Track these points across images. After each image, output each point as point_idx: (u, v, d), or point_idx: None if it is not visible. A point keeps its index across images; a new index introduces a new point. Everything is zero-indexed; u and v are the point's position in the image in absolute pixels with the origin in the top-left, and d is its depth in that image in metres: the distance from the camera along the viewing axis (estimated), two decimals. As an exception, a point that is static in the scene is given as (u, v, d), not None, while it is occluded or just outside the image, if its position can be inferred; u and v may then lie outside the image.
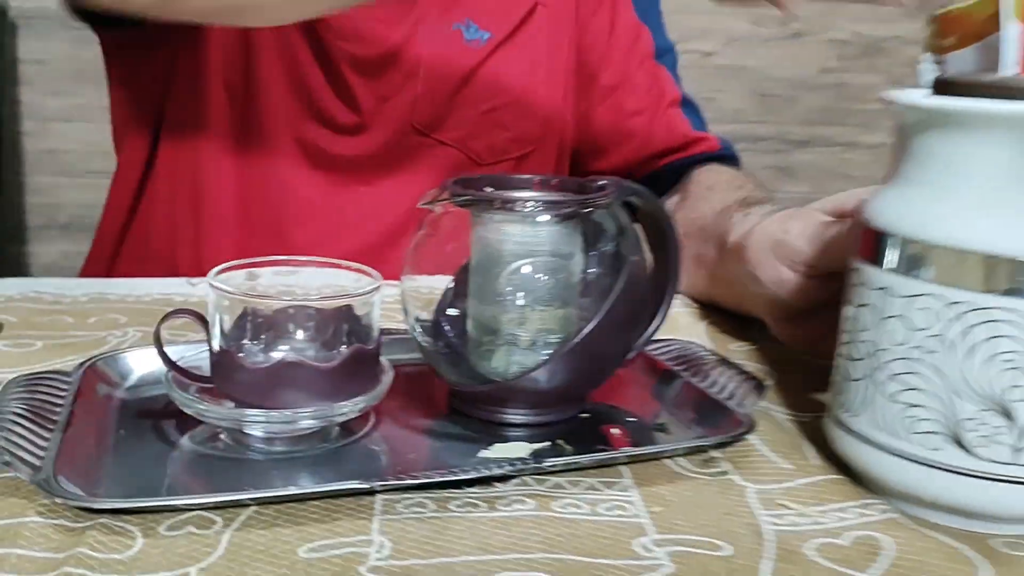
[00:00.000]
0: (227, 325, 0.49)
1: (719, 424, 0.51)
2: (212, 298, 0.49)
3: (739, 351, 0.66)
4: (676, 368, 0.59)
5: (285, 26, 0.82)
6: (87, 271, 0.94)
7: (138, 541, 0.39)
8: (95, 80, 1.60)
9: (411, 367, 0.57)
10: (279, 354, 0.49)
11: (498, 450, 0.49)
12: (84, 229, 1.59)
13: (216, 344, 0.49)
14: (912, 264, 0.42)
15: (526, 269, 0.52)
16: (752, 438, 0.51)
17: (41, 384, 0.51)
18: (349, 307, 0.50)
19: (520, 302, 0.52)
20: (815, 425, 0.51)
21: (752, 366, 0.62)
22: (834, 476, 0.48)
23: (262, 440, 0.49)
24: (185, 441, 0.49)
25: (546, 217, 0.51)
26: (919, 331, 0.42)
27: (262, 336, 0.50)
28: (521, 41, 0.90)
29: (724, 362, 0.59)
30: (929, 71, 0.67)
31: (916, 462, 0.42)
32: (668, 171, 0.92)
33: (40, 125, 1.58)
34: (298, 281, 0.53)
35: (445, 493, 0.44)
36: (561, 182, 0.56)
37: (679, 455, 0.49)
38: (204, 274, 0.50)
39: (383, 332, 0.53)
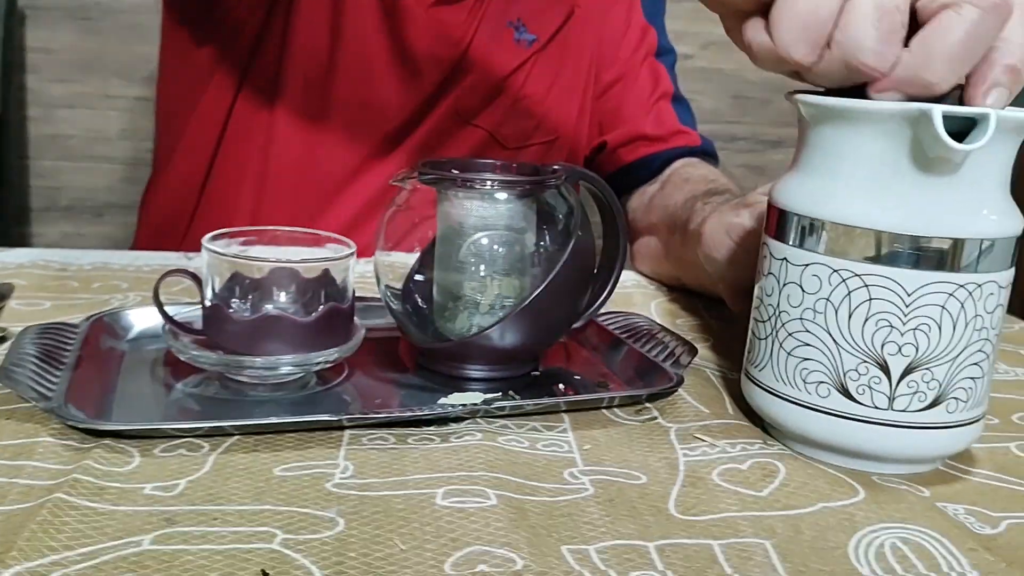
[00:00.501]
0: (218, 285, 0.55)
1: (654, 381, 0.58)
2: (205, 259, 0.55)
3: (684, 324, 0.73)
4: (622, 336, 0.65)
5: (367, 17, 0.89)
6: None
7: (136, 459, 0.46)
8: (98, 69, 1.68)
9: (383, 332, 0.64)
10: (264, 309, 0.55)
11: (455, 398, 0.55)
12: (84, 211, 1.65)
13: (208, 299, 0.55)
14: (805, 238, 0.49)
15: (484, 241, 0.59)
16: (683, 392, 0.57)
17: (51, 332, 0.57)
18: (327, 271, 0.56)
19: (479, 270, 0.59)
20: (733, 380, 0.58)
21: (692, 335, 0.68)
22: (745, 423, 0.54)
23: (248, 385, 0.55)
24: (179, 385, 0.55)
25: (503, 195, 0.58)
26: (811, 295, 0.48)
27: (249, 296, 0.56)
28: (558, 43, 0.98)
29: (664, 330, 0.65)
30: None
31: (809, 408, 0.49)
32: (651, 161, 0.99)
33: (44, 111, 1.64)
34: (284, 250, 0.60)
35: (406, 431, 0.50)
36: (519, 166, 0.62)
37: (615, 405, 0.55)
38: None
39: (359, 298, 0.60)
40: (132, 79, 1.63)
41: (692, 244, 0.74)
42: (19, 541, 0.38)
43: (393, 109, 0.93)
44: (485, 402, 0.53)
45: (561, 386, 0.59)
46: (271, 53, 0.90)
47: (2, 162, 1.61)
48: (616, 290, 0.64)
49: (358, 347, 0.57)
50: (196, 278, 0.56)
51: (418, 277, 0.63)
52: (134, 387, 0.54)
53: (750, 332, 0.54)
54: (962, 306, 0.46)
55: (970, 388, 0.48)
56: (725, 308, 0.78)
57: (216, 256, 0.55)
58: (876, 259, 0.46)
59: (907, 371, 0.47)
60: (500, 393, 0.56)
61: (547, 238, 0.61)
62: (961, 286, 0.46)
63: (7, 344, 0.57)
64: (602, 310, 0.65)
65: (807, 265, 0.48)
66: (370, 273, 0.60)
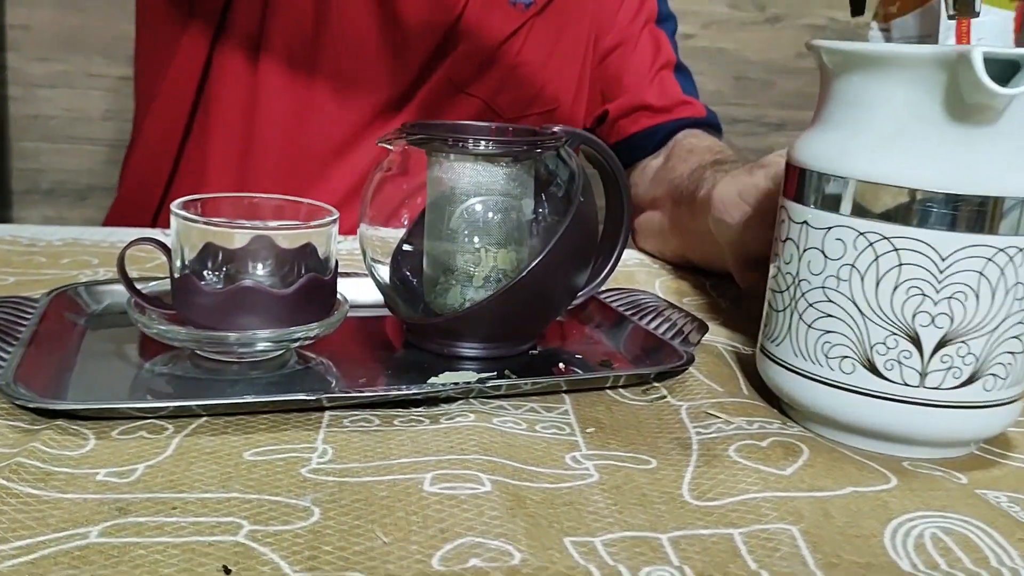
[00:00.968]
0: (189, 256, 0.51)
1: (662, 359, 0.53)
2: (175, 227, 0.50)
3: (691, 303, 0.68)
4: (626, 313, 0.61)
5: None
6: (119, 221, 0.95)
7: (91, 441, 0.41)
8: (80, 48, 1.62)
9: (370, 309, 0.59)
10: (238, 280, 0.50)
11: (447, 377, 0.50)
12: (66, 194, 1.60)
13: (177, 271, 0.50)
14: (828, 198, 0.44)
15: (478, 207, 0.54)
16: (693, 370, 0.53)
17: (7, 306, 0.52)
18: (308, 242, 0.52)
19: (472, 240, 0.54)
20: (746, 356, 0.53)
21: (700, 315, 0.64)
22: (761, 403, 0.50)
23: (221, 364, 0.50)
24: (147, 364, 0.50)
25: (498, 157, 0.53)
26: (834, 261, 0.44)
27: (223, 268, 0.52)
28: (556, 7, 0.94)
29: (671, 307, 0.61)
30: (876, 37, 0.69)
31: (831, 386, 0.45)
32: (654, 133, 0.95)
33: (25, 91, 1.59)
34: (259, 216, 0.55)
35: (391, 412, 0.46)
36: (516, 130, 0.58)
37: (620, 385, 0.51)
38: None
39: (343, 274, 0.55)
40: (116, 57, 1.58)
41: (701, 213, 0.69)
42: (-53, 533, 0.33)
43: (384, 77, 0.89)
44: (479, 381, 0.49)
45: (561, 365, 0.54)
46: (252, 7, 0.86)
47: (-18, 145, 1.56)
48: (617, 269, 0.60)
49: (341, 322, 0.52)
50: (165, 248, 0.51)
51: (407, 248, 0.58)
52: (94, 366, 0.50)
53: (766, 304, 0.49)
54: (1002, 272, 0.42)
55: (1009, 364, 0.43)
56: (733, 286, 0.73)
57: (186, 223, 0.50)
58: (907, 220, 0.42)
59: (940, 344, 0.42)
60: (495, 372, 0.52)
61: (546, 205, 0.57)
62: (1001, 250, 0.41)
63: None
64: (604, 286, 0.61)
65: (830, 228, 0.44)
66: (358, 251, 0.56)
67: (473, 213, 0.54)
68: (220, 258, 0.51)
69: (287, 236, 0.51)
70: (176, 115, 0.89)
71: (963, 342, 0.42)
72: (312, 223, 0.51)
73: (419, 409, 0.46)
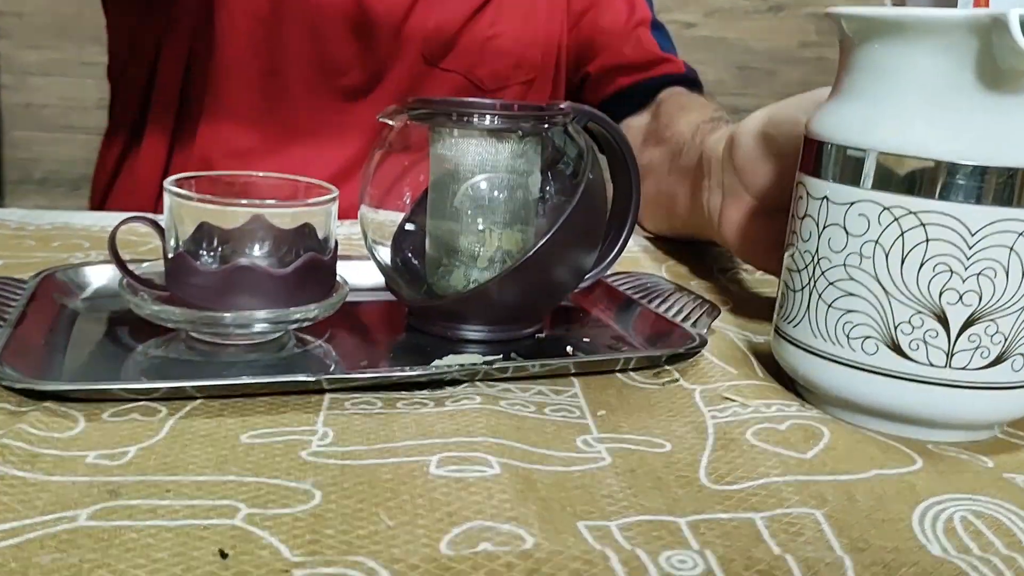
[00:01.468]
0: (183, 235, 0.49)
1: (673, 342, 0.52)
2: (168, 204, 0.49)
3: (699, 287, 0.67)
4: (635, 297, 0.59)
5: None
6: None
7: (80, 423, 0.39)
8: (73, 35, 1.60)
9: (370, 292, 0.58)
10: (233, 259, 0.49)
11: (451, 359, 0.49)
12: (60, 184, 1.58)
13: (171, 250, 0.49)
14: (849, 172, 0.42)
15: (483, 185, 0.52)
16: (705, 353, 0.51)
17: (-5, 288, 0.51)
18: (306, 222, 0.50)
19: (477, 219, 0.52)
20: (768, 347, 0.52)
21: (710, 297, 0.62)
22: (778, 386, 0.48)
23: (216, 346, 0.49)
24: (140, 347, 0.49)
25: (504, 133, 0.52)
26: (856, 238, 0.42)
27: (219, 248, 0.50)
28: None
29: (681, 290, 0.59)
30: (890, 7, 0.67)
31: (853, 367, 0.43)
32: (635, 91, 0.93)
33: (17, 79, 1.57)
34: (256, 195, 0.53)
35: (394, 395, 0.44)
36: (521, 105, 0.56)
37: (630, 368, 0.49)
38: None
39: (344, 257, 0.54)
40: (110, 47, 1.56)
41: (710, 163, 0.65)
42: (-73, 516, 0.31)
43: (352, 58, 0.87)
44: (485, 363, 0.47)
45: (569, 349, 0.52)
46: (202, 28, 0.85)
47: (-25, 136, 1.53)
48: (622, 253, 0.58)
49: (341, 304, 0.50)
50: (159, 227, 0.50)
51: (409, 228, 0.57)
52: (85, 348, 0.48)
53: (781, 284, 0.47)
54: None
55: None
56: (741, 269, 0.71)
57: (181, 201, 0.48)
58: (934, 194, 0.40)
59: (968, 323, 0.41)
60: (500, 356, 0.50)
61: (553, 184, 0.55)
62: None
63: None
64: (611, 269, 0.59)
65: (852, 204, 0.42)
66: (356, 235, 0.54)
67: (478, 191, 0.53)
68: (216, 238, 0.49)
69: (285, 215, 0.49)
70: (137, 105, 0.88)
71: (992, 321, 0.41)
72: (311, 200, 0.49)
73: (423, 392, 0.45)
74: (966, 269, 0.40)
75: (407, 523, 0.33)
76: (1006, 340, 0.41)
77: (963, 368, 0.41)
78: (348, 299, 0.51)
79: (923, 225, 0.40)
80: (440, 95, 0.89)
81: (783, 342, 0.46)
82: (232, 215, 0.49)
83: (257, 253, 0.50)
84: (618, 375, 0.49)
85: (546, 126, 0.52)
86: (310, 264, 0.49)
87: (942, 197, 0.40)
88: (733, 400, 0.45)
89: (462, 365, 0.46)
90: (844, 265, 0.43)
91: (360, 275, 0.57)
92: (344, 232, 0.72)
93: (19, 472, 0.35)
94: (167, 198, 0.48)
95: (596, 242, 0.55)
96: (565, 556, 0.31)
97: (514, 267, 0.50)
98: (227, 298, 0.47)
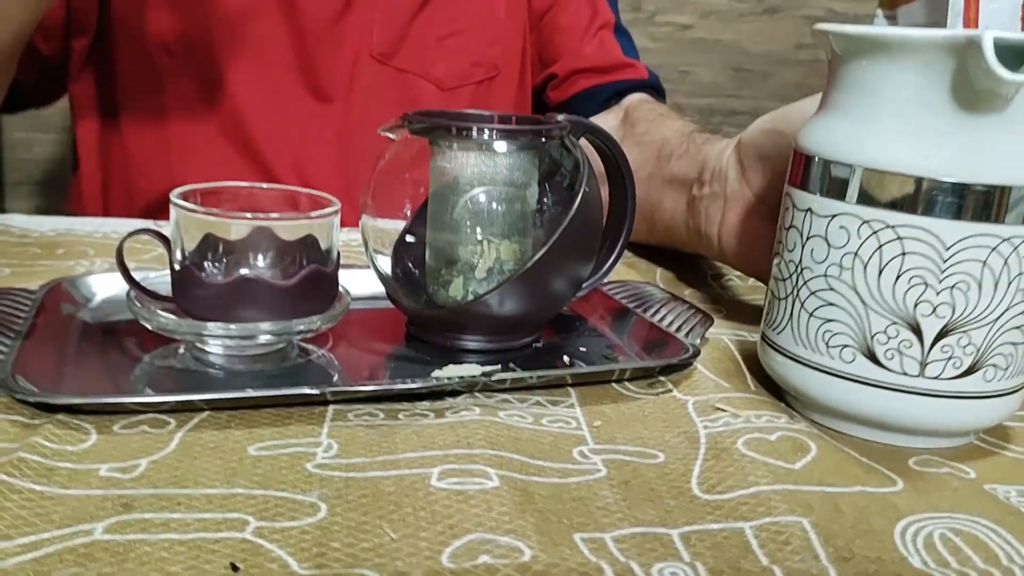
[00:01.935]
0: (189, 247, 0.50)
1: (667, 352, 0.53)
2: (174, 217, 0.50)
3: (693, 296, 0.68)
4: (631, 306, 0.60)
5: None
6: None
7: (92, 436, 0.40)
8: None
9: (371, 301, 0.59)
10: (239, 271, 0.50)
11: (451, 370, 0.50)
12: (58, 186, 1.58)
13: (177, 262, 0.50)
14: (832, 185, 0.44)
15: (482, 197, 0.53)
16: (699, 365, 0.52)
17: (4, 299, 0.52)
18: (309, 233, 0.51)
19: (476, 230, 0.54)
20: (750, 345, 0.53)
21: (703, 307, 0.63)
22: (768, 398, 0.49)
23: (222, 357, 0.50)
24: (146, 357, 0.50)
25: (502, 146, 0.53)
26: (837, 249, 0.43)
27: (224, 259, 0.51)
28: None
29: (676, 299, 0.60)
30: (882, 24, 0.68)
31: (832, 374, 0.44)
32: (597, 93, 0.94)
33: (16, 79, 1.57)
34: (258, 207, 0.54)
35: (396, 406, 0.45)
36: (519, 118, 0.57)
37: (625, 379, 0.50)
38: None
39: (344, 266, 0.55)
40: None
41: (712, 171, 0.65)
42: (-52, 530, 0.33)
43: (289, 58, 0.86)
44: (484, 374, 0.48)
45: (566, 358, 0.54)
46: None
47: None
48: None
49: (344, 314, 0.52)
50: (164, 238, 0.51)
51: (409, 239, 0.58)
52: (94, 358, 0.49)
53: (768, 293, 0.49)
54: (1006, 262, 0.41)
55: (1010, 355, 0.43)
56: (733, 276, 0.73)
57: (186, 214, 0.49)
58: (912, 208, 0.41)
59: (941, 334, 0.42)
60: (499, 366, 0.51)
61: (550, 195, 0.56)
62: (1006, 239, 0.41)
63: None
64: (607, 278, 0.60)
65: (834, 216, 0.44)
66: (355, 242, 0.55)
67: (477, 203, 0.54)
68: (220, 249, 0.51)
69: (288, 227, 0.50)
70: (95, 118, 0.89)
71: (964, 332, 0.42)
72: (314, 214, 0.51)
73: (423, 403, 0.46)
74: (940, 282, 0.42)
75: (410, 536, 0.34)
76: (978, 351, 0.42)
77: (936, 378, 0.43)
78: (349, 307, 0.53)
79: (900, 239, 0.42)
80: (398, 96, 0.89)
81: (769, 349, 0.48)
82: (236, 227, 0.50)
83: (261, 264, 0.51)
84: (614, 385, 0.50)
85: (544, 140, 0.54)
86: (313, 276, 0.50)
87: (919, 212, 0.41)
88: (724, 411, 0.46)
89: (462, 377, 0.47)
90: (825, 276, 0.44)
91: (360, 283, 0.58)
92: (343, 239, 0.73)
93: (36, 486, 0.36)
94: (173, 211, 0.50)
95: (593, 253, 0.56)
96: (561, 568, 0.33)
97: (512, 279, 0.51)
98: (232, 310, 0.49)
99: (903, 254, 0.42)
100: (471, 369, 0.50)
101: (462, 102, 0.92)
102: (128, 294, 0.50)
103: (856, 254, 0.43)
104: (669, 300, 0.60)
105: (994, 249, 0.41)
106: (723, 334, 0.58)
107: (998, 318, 0.42)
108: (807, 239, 0.45)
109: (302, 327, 0.49)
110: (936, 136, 0.41)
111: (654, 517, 0.37)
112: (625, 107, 0.91)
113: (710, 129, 0.75)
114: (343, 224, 0.57)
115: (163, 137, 0.87)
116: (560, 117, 0.55)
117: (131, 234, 0.51)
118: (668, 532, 0.36)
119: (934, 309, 0.42)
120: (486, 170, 0.53)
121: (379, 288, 0.57)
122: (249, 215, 0.50)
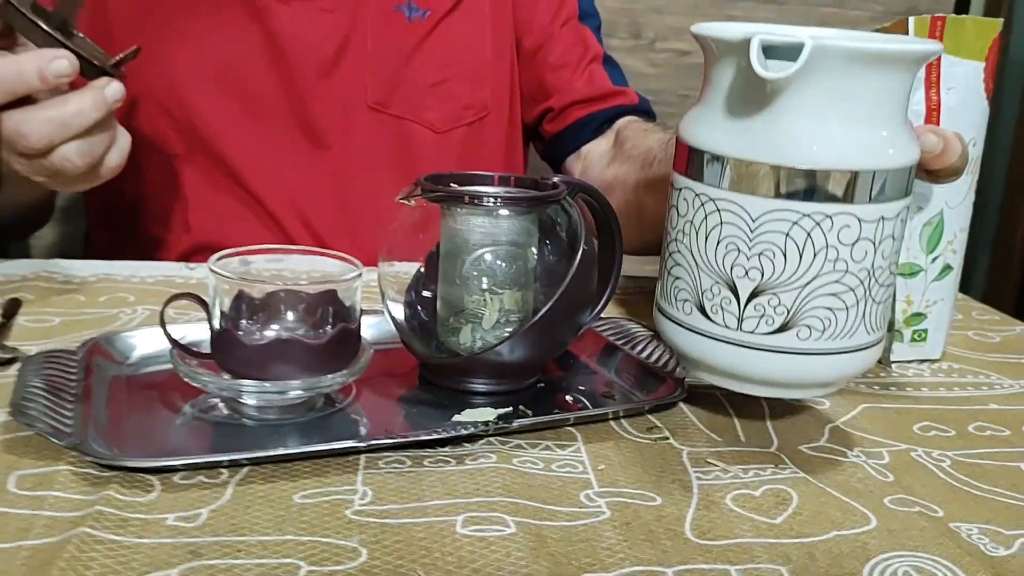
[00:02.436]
0: (224, 306, 0.55)
1: (656, 389, 0.60)
2: (212, 282, 0.55)
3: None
4: (617, 342, 0.66)
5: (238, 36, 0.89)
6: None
7: (156, 488, 0.46)
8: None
9: (384, 343, 0.64)
10: (273, 332, 0.55)
11: (468, 415, 0.55)
12: (83, 213, 1.62)
13: (216, 323, 0.55)
14: (683, 164, 0.52)
15: (488, 256, 0.59)
16: (690, 413, 0.58)
17: (53, 361, 0.57)
18: (334, 291, 0.56)
19: (483, 285, 0.59)
20: (740, 396, 0.59)
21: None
22: (755, 448, 0.55)
23: (256, 408, 0.55)
24: (188, 408, 0.55)
25: (506, 211, 0.58)
26: (681, 218, 0.52)
27: (256, 316, 0.56)
28: (464, 13, 0.96)
29: (656, 336, 0.66)
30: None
31: (680, 325, 0.53)
32: (590, 120, 0.99)
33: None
34: (287, 265, 0.60)
35: (420, 452, 0.51)
36: (518, 179, 0.63)
37: (622, 416, 0.56)
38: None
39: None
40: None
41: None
42: (50, 583, 0.38)
43: (282, 108, 0.91)
44: (499, 418, 0.54)
45: (568, 398, 0.60)
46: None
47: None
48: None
49: (366, 368, 0.57)
50: (203, 302, 0.56)
51: (425, 294, 0.63)
52: (144, 412, 0.54)
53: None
54: (808, 235, 0.48)
55: (827, 318, 0.49)
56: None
57: (223, 278, 0.55)
58: (725, 184, 0.49)
59: (754, 294, 0.49)
60: (510, 408, 0.57)
61: (549, 247, 0.62)
62: (806, 215, 0.48)
63: (17, 366, 0.57)
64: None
65: (680, 189, 0.52)
66: (371, 282, 0.60)
67: (484, 262, 0.59)
68: (253, 305, 0.56)
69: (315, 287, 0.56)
70: None
71: (774, 294, 0.49)
72: (341, 279, 0.56)
73: (445, 449, 0.52)
74: (750, 249, 0.49)
75: (442, 578, 0.40)
76: (788, 312, 0.49)
77: (752, 332, 0.50)
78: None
79: (719, 210, 0.49)
80: (394, 141, 0.94)
81: (656, 312, 0.56)
82: (269, 288, 0.56)
83: (290, 318, 0.57)
84: (612, 423, 0.56)
85: (543, 205, 0.59)
86: (340, 334, 0.56)
87: (732, 188, 0.49)
88: (715, 465, 0.52)
89: (485, 423, 0.53)
90: (676, 240, 0.52)
91: (373, 325, 0.64)
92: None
93: (115, 536, 0.42)
94: (211, 277, 0.55)
95: (590, 302, 0.62)
96: (574, 606, 0.38)
97: (521, 330, 0.57)
98: (267, 367, 0.54)
99: (721, 224, 0.49)
100: (485, 414, 0.55)
101: (456, 142, 0.97)
102: (171, 352, 0.56)
103: (691, 221, 0.51)
104: (651, 337, 0.66)
105: (795, 223, 0.48)
106: (715, 388, 0.63)
107: (807, 284, 0.48)
108: (669, 208, 0.54)
109: (330, 382, 0.55)
110: (740, 122, 0.49)
111: (652, 556, 0.43)
112: (616, 129, 0.97)
113: None
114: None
115: (169, 187, 0.92)
116: (556, 179, 0.61)
117: (172, 298, 0.56)
118: (664, 571, 0.42)
119: (746, 272, 0.49)
120: (492, 231, 0.59)
121: (388, 330, 0.63)
122: (280, 283, 0.56)
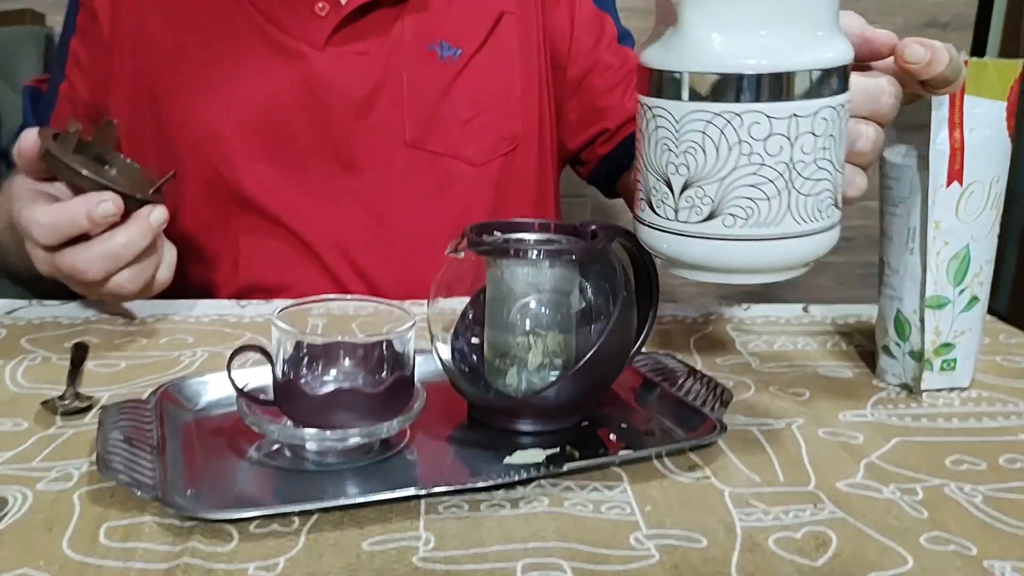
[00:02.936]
0: (286, 354, 0.59)
1: (696, 426, 0.62)
2: (276, 334, 0.58)
3: (724, 364, 0.76)
4: (655, 379, 0.69)
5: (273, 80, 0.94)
6: None
7: (234, 537, 0.49)
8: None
9: (432, 384, 0.67)
10: (333, 381, 0.59)
11: (519, 457, 0.59)
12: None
13: (279, 373, 0.59)
14: (639, 84, 0.58)
15: (533, 304, 0.62)
16: (731, 454, 0.60)
17: (127, 412, 0.60)
18: (388, 341, 0.60)
19: (528, 330, 0.62)
20: (777, 432, 0.61)
21: (732, 377, 0.72)
22: (794, 488, 0.57)
23: (316, 453, 0.59)
24: (253, 452, 0.59)
25: (549, 261, 0.62)
26: (638, 130, 0.58)
27: (316, 364, 0.60)
28: (493, 49, 1.00)
29: (694, 372, 0.69)
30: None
31: (640, 222, 0.60)
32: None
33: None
34: (342, 310, 0.63)
35: (477, 496, 0.54)
36: (557, 226, 0.66)
37: (664, 455, 0.59)
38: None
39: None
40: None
41: None
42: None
43: (320, 146, 0.95)
44: (549, 460, 0.57)
45: (613, 436, 0.62)
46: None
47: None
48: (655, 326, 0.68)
49: (419, 413, 0.60)
50: (266, 353, 0.59)
51: (473, 340, 0.67)
52: (214, 458, 0.58)
53: None
54: (722, 133, 0.53)
55: (749, 207, 0.54)
56: (765, 340, 0.81)
57: (287, 330, 0.58)
58: (654, 93, 0.56)
59: (684, 187, 0.55)
60: (558, 448, 0.60)
61: (590, 291, 0.65)
62: (718, 114, 0.53)
63: (94, 412, 0.61)
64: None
65: (639, 103, 0.58)
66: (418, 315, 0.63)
67: (528, 308, 0.62)
68: (313, 352, 0.59)
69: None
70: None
71: (699, 187, 0.55)
72: (395, 331, 0.59)
73: (500, 492, 0.55)
74: (678, 147, 0.55)
75: (508, 625, 0.43)
76: (713, 202, 0.54)
77: (686, 222, 0.56)
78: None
79: (655, 116, 0.56)
80: (434, 177, 0.98)
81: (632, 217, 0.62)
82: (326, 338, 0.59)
83: (347, 365, 0.60)
84: (655, 462, 0.59)
85: (586, 253, 0.62)
86: (396, 382, 0.59)
87: (661, 96, 0.55)
88: (756, 506, 0.54)
89: (536, 467, 0.56)
90: (637, 151, 0.59)
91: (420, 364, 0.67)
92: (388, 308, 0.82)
93: (203, 589, 0.45)
94: (274, 331, 0.58)
95: (632, 343, 0.65)
96: (633, 652, 0.41)
97: (567, 375, 0.60)
98: (328, 416, 0.57)
99: (656, 128, 0.56)
100: (535, 455, 0.59)
101: (492, 173, 1.00)
102: (238, 401, 0.59)
103: (642, 130, 0.57)
104: (688, 373, 0.69)
105: (708, 122, 0.53)
106: (752, 424, 0.65)
107: (725, 176, 0.54)
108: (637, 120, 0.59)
109: (388, 429, 0.58)
110: (666, 39, 0.56)
111: (701, 599, 0.45)
112: None
113: None
114: (386, 295, 0.69)
115: (216, 232, 0.97)
116: (594, 227, 0.64)
117: (238, 351, 0.59)
118: (713, 613, 0.44)
119: (676, 168, 0.55)
120: (536, 280, 0.62)
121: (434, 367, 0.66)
122: (339, 337, 0.59)
